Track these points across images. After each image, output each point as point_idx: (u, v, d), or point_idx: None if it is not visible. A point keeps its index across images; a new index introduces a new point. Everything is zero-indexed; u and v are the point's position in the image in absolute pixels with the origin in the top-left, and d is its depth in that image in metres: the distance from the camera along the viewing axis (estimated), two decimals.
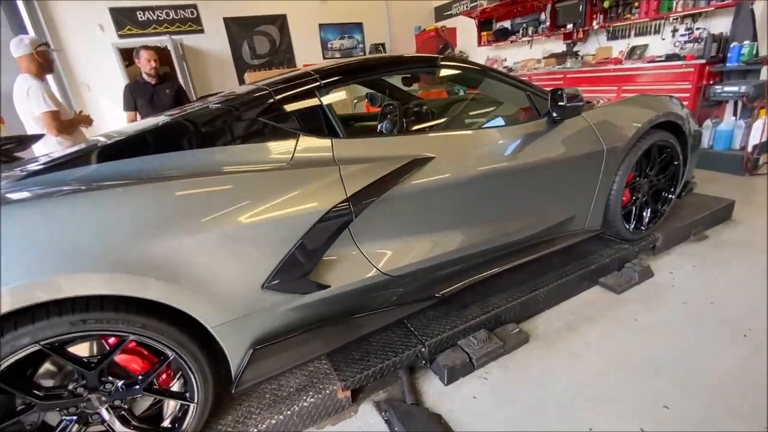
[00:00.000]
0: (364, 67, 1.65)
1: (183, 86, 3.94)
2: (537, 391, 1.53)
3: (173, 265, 1.15)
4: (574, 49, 5.41)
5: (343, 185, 1.39)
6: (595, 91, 4.73)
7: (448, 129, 1.92)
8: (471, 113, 2.06)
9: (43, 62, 2.60)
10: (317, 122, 1.54)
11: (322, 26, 7.50)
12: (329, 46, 7.70)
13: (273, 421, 1.42)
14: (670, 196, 2.36)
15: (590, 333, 1.81)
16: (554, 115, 1.77)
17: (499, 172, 1.70)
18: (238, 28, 6.83)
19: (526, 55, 6.26)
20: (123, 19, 6.08)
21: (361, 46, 7.96)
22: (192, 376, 1.27)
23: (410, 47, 8.13)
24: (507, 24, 6.60)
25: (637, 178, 2.18)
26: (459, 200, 1.66)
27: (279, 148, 1.44)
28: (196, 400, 1.29)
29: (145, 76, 3.65)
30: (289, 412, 1.44)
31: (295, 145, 1.45)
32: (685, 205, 2.70)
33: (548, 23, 5.55)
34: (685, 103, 3.81)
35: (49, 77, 5.72)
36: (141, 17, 6.17)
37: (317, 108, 1.55)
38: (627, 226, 2.20)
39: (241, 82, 6.71)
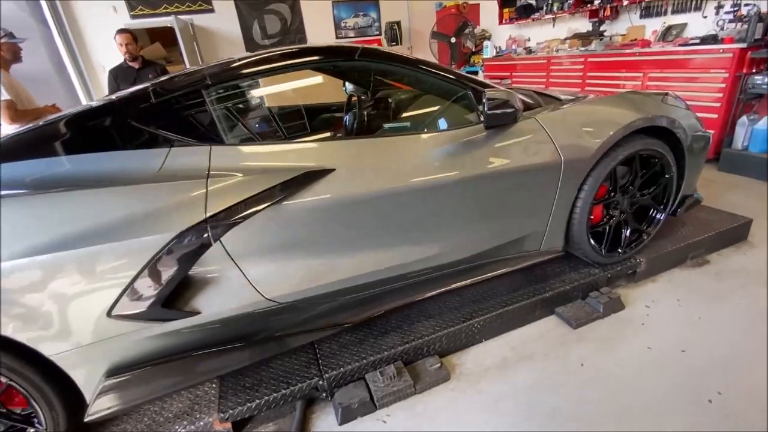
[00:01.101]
0: (262, 62, 1.44)
1: (167, 71, 3.87)
2: None
3: None
4: (601, 28, 4.78)
5: (206, 202, 1.22)
6: (618, 78, 4.18)
7: (369, 135, 1.68)
8: (401, 116, 1.79)
9: (7, 55, 2.59)
10: (198, 127, 1.37)
11: (336, 4, 7.18)
12: (343, 24, 7.38)
13: None
14: (658, 214, 1.99)
15: (524, 375, 1.56)
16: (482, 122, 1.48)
17: (420, 188, 1.45)
18: (249, 7, 6.68)
19: (550, 34, 5.66)
20: None
21: (377, 24, 7.57)
22: (35, 403, 1.19)
23: (430, 25, 7.63)
24: None
25: (612, 194, 1.84)
26: (366, 219, 1.44)
27: (148, 157, 1.28)
28: (44, 427, 1.22)
29: (127, 61, 3.62)
30: None
31: (167, 154, 1.29)
32: (689, 222, 2.30)
33: None
34: (720, 95, 3.27)
35: (68, 61, 5.98)
36: None
37: (201, 110, 1.37)
38: (598, 248, 1.88)
39: None
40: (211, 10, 6.53)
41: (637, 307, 1.87)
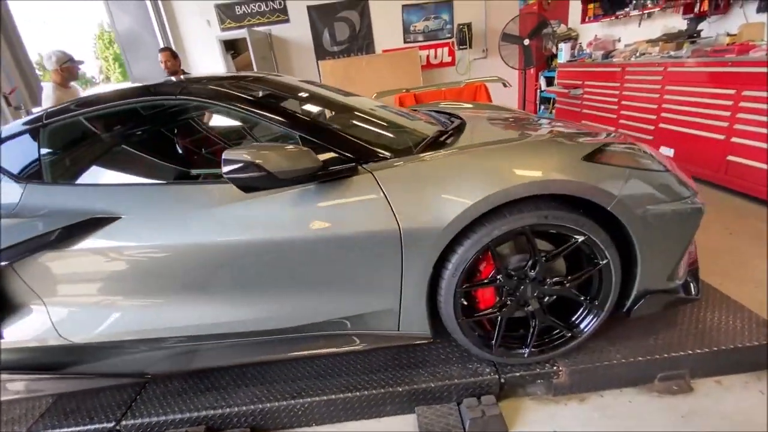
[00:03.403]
0: (90, 104, 1.46)
1: None
2: None
3: None
4: (699, 26, 3.64)
5: None
6: (702, 95, 3.14)
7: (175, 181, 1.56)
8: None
9: (66, 75, 3.21)
10: (24, 165, 1.46)
11: (405, 8, 6.99)
12: (412, 29, 7.16)
13: None
14: (591, 312, 1.42)
15: None
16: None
17: (208, 246, 1.30)
18: (320, 15, 6.97)
19: (636, 35, 4.55)
20: (225, 14, 6.91)
21: (448, 26, 7.15)
22: None
23: (513, 25, 6.87)
24: None
25: (500, 278, 1.36)
26: (151, 274, 1.34)
27: None
28: None
29: (169, 76, 4.11)
30: None
31: None
32: (685, 322, 1.60)
33: None
34: None
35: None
36: (238, 11, 6.90)
37: (31, 149, 1.46)
38: (480, 342, 1.43)
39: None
40: (287, 20, 7.01)
41: None
